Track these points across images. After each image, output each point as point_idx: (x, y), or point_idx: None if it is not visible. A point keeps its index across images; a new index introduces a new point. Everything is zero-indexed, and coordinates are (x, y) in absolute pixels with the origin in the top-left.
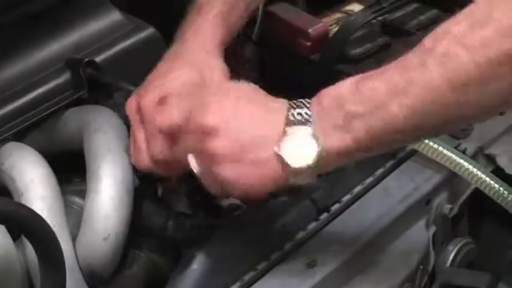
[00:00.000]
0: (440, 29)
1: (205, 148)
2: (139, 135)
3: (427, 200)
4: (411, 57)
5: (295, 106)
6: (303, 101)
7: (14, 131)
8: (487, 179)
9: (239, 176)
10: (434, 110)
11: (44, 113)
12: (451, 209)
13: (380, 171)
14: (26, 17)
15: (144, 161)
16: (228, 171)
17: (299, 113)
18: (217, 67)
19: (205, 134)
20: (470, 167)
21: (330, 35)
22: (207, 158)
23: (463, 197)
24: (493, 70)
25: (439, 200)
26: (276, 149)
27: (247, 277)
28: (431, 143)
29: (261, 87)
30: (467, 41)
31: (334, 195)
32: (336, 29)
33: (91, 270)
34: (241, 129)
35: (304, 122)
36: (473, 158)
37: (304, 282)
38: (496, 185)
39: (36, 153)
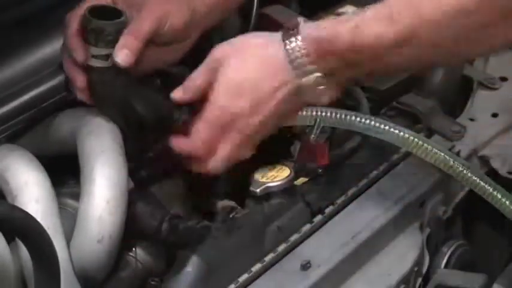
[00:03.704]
0: None
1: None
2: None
3: (421, 202)
4: None
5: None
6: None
7: (7, 133)
8: (481, 181)
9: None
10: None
11: (38, 116)
12: (445, 211)
13: (374, 173)
14: (19, 20)
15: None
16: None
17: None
18: None
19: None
20: (464, 169)
21: None
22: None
23: (457, 199)
24: None
25: (433, 202)
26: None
27: (241, 279)
28: (425, 145)
29: None
30: None
31: (328, 198)
32: None
33: (85, 272)
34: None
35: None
36: (467, 160)
37: (298, 284)
38: (490, 187)
39: (30, 155)
